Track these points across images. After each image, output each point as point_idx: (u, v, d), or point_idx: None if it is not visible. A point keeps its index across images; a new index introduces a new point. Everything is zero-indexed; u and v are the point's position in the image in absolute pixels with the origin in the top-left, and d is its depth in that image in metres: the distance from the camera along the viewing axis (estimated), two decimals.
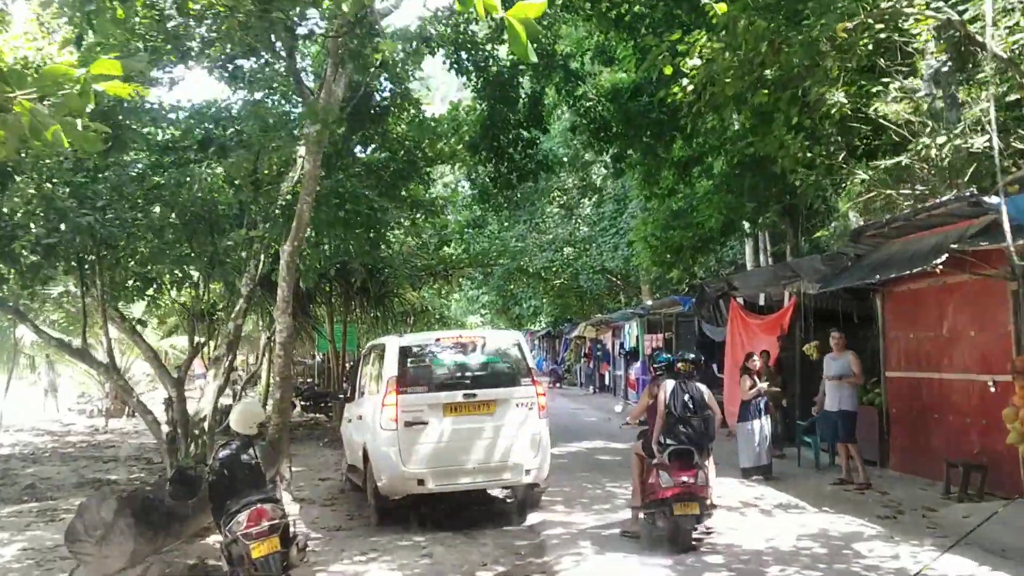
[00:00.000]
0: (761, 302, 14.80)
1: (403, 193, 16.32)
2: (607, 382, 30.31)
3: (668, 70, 9.38)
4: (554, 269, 29.90)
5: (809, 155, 16.05)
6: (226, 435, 7.94)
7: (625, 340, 25.26)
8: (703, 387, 7.93)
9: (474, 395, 8.79)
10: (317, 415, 20.55)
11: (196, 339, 14.00)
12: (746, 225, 16.99)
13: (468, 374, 9.22)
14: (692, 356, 8.31)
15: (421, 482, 8.49)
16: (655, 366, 8.85)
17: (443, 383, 9.01)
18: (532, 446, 8.77)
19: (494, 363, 9.49)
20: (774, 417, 11.60)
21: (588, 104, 15.25)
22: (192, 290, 12.94)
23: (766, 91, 9.60)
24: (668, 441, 7.53)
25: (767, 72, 9.16)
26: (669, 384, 7.87)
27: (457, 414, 8.73)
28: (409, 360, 9.10)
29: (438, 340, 9.81)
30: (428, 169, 16.56)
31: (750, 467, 10.88)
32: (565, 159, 21.78)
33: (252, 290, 11.88)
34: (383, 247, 15.55)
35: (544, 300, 35.31)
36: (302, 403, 20.88)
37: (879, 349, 11.22)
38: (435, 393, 8.80)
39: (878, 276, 9.72)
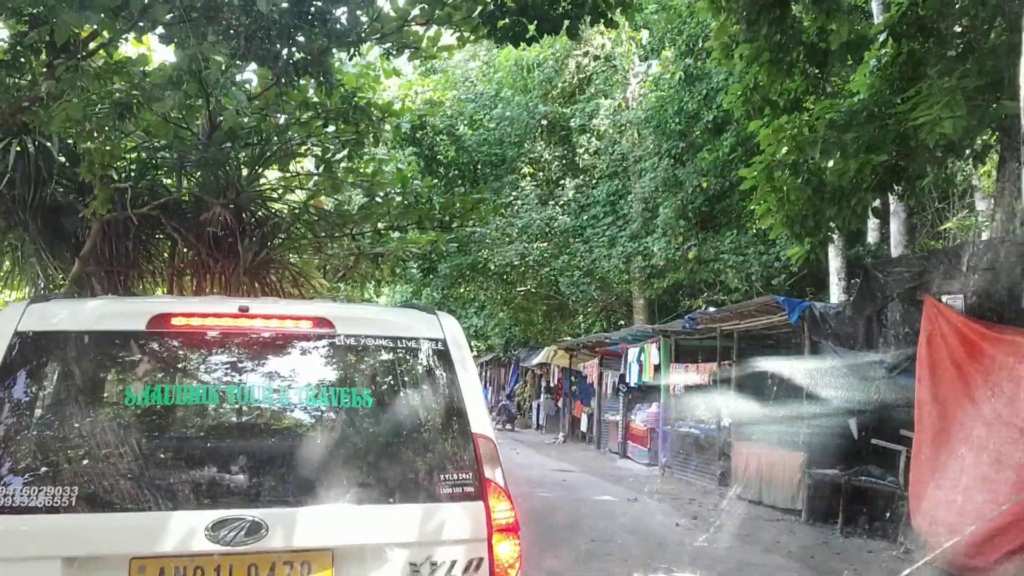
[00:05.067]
0: None
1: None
2: (583, 427, 22.45)
3: None
4: (522, 268, 21.88)
5: None
6: None
7: (629, 372, 17.45)
8: None
9: (257, 532, 2.61)
10: None
11: None
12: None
13: (252, 452, 2.87)
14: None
15: None
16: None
17: (150, 484, 2.64)
18: None
19: (355, 411, 3.06)
20: None
21: None
22: None
23: None
24: None
25: None
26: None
27: None
28: (32, 386, 2.64)
29: (162, 321, 2.97)
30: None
31: None
32: None
33: None
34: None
35: (499, 315, 27.18)
36: None
37: None
38: (101, 516, 2.56)
39: None
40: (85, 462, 2.67)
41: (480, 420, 3.06)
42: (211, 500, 2.67)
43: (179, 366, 3.03)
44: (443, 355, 3.18)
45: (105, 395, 2.90)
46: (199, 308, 3.11)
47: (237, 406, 2.96)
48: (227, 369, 3.05)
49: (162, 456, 2.78)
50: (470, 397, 3.09)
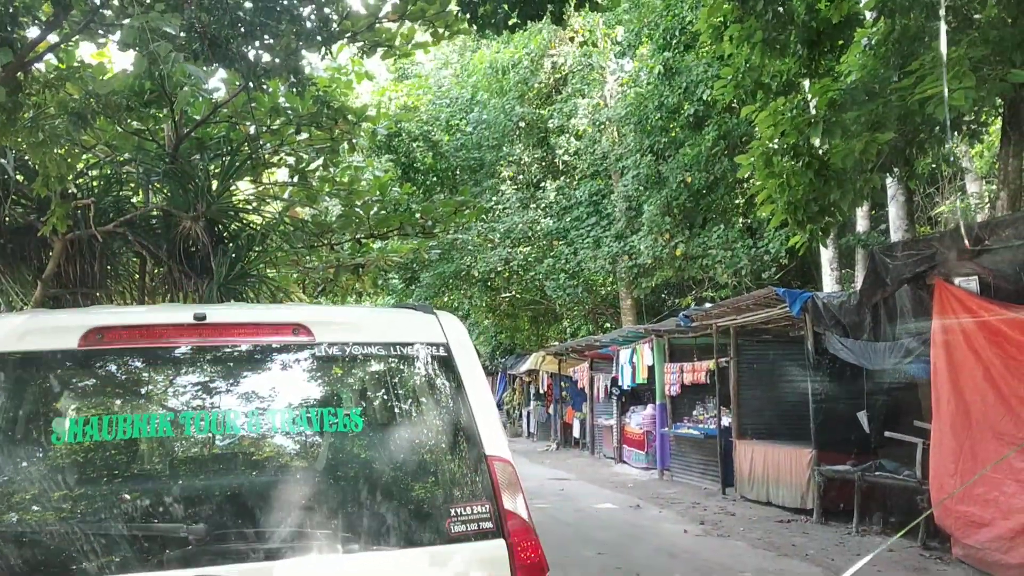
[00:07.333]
0: None
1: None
2: (576, 433, 22.00)
3: None
4: (506, 274, 21.43)
5: None
6: None
7: (622, 374, 17.03)
8: None
9: None
10: None
11: None
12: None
13: (214, 494, 2.29)
14: None
15: None
16: None
17: (82, 540, 1.93)
18: None
19: (343, 436, 2.51)
20: None
21: None
22: None
23: None
24: None
25: None
26: None
27: None
28: None
29: (98, 336, 2.34)
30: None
31: None
32: None
33: None
34: None
35: (484, 323, 26.67)
36: None
37: None
38: None
39: None
40: None
41: (495, 439, 2.58)
42: (161, 557, 2.16)
43: (121, 392, 2.50)
44: (446, 363, 2.69)
45: (26, 432, 2.36)
46: (144, 319, 2.58)
47: (194, 438, 2.44)
48: (181, 393, 2.54)
49: (99, 505, 2.25)
50: (481, 412, 2.60)
